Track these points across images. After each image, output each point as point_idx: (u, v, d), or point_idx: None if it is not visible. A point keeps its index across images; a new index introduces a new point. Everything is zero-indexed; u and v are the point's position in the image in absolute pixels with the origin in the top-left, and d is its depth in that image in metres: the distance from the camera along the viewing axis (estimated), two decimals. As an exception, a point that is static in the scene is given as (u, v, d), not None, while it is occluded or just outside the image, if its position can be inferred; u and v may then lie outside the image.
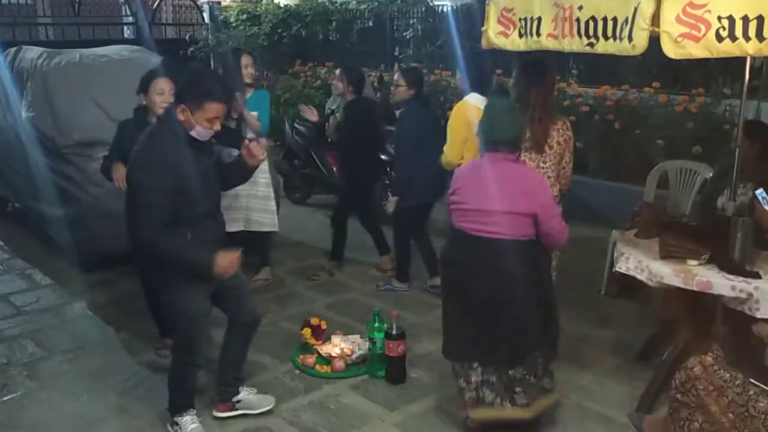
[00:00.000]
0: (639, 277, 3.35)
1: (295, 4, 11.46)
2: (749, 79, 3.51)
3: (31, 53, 6.27)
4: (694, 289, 3.14)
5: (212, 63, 10.86)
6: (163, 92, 3.87)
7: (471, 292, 3.16)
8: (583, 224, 6.24)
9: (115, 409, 3.66)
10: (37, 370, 4.07)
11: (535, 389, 3.27)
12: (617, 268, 3.49)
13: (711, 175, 4.70)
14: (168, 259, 3.09)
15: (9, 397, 3.79)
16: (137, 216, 3.05)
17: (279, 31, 10.49)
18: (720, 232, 3.29)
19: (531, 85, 3.73)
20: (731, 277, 3.12)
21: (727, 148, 4.45)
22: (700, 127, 6.05)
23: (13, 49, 6.56)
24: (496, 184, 3.08)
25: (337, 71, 5.45)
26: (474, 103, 4.28)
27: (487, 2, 3.63)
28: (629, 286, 4.31)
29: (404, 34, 9.49)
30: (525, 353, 3.21)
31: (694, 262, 3.23)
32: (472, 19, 7.30)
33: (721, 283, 3.10)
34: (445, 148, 4.40)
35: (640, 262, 3.36)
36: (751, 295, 3.05)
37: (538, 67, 3.80)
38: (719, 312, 3.29)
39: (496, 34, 3.51)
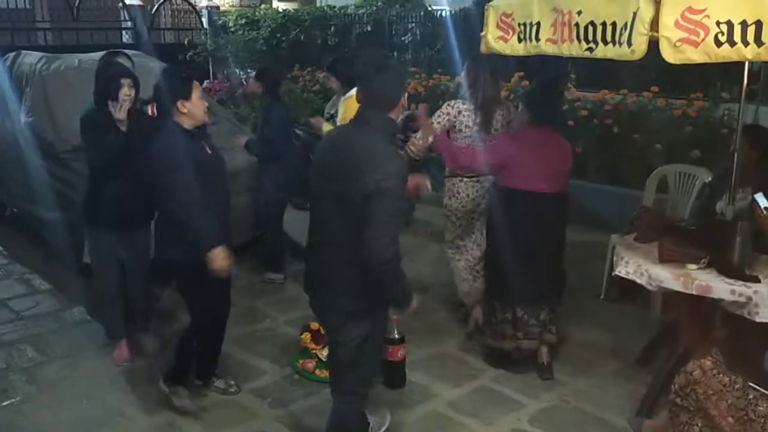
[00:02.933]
0: (639, 281, 3.35)
1: (293, 9, 11.47)
2: (747, 84, 3.52)
3: (30, 58, 6.28)
4: (694, 293, 3.14)
5: (210, 67, 10.89)
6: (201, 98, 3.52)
7: (532, 240, 3.79)
8: (583, 228, 6.23)
9: (114, 414, 3.65)
10: (36, 375, 4.06)
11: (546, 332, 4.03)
12: (617, 272, 3.49)
13: (710, 179, 4.71)
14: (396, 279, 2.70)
15: (8, 402, 3.78)
16: (379, 230, 2.54)
17: (278, 35, 10.50)
18: (719, 236, 3.29)
19: (478, 75, 4.31)
20: (730, 281, 3.12)
21: (726, 153, 4.46)
22: (699, 131, 6.06)
23: (12, 54, 6.57)
24: (553, 150, 3.84)
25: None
26: None
27: (486, 7, 3.65)
28: (629, 290, 4.32)
29: (403, 38, 9.50)
30: (559, 294, 4.07)
31: (693, 266, 3.24)
32: (470, 23, 7.32)
33: (720, 287, 3.10)
34: None
35: (639, 266, 3.36)
36: (750, 299, 3.05)
37: (484, 58, 4.24)
38: (719, 316, 3.29)
39: (495, 39, 3.52)
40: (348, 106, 4.95)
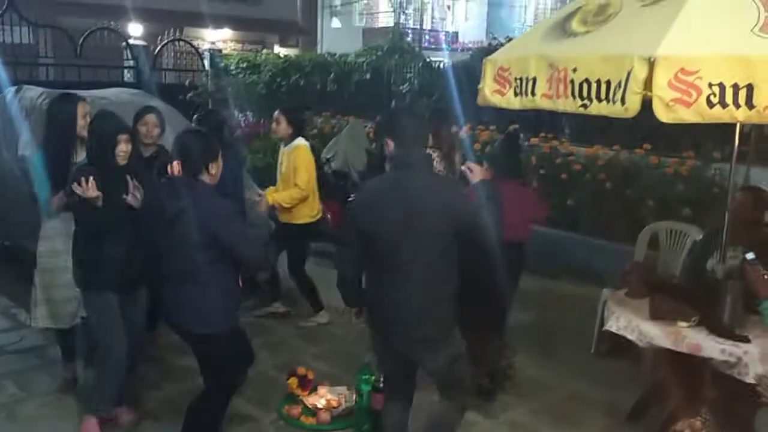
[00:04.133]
0: (629, 336, 3.36)
1: (294, 55, 11.66)
2: (738, 144, 3.58)
3: (31, 93, 6.32)
4: (684, 351, 3.14)
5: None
6: None
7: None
8: (574, 282, 6.28)
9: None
10: (16, 412, 3.98)
11: None
12: (607, 327, 3.49)
13: (700, 237, 4.74)
14: None
15: (-14, 438, 3.72)
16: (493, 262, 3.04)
17: (278, 80, 10.64)
18: (710, 295, 3.30)
19: (440, 127, 4.92)
20: (721, 340, 3.12)
21: (717, 211, 4.51)
22: (690, 190, 6.13)
23: (13, 88, 6.62)
24: (515, 201, 3.86)
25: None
26: (306, 144, 5.26)
27: (484, 61, 3.72)
28: (619, 345, 4.29)
29: (401, 87, 9.64)
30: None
31: (684, 324, 3.24)
32: (467, 74, 7.44)
33: (710, 346, 3.10)
34: (299, 183, 5.13)
35: (630, 322, 3.36)
36: (740, 359, 3.05)
37: (442, 114, 5.18)
38: (708, 375, 3.27)
39: (492, 92, 3.59)
40: (297, 155, 5.11)
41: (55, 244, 3.97)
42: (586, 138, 7.24)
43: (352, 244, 3.07)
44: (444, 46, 12.16)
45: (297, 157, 5.15)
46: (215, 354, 3.34)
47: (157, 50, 11.61)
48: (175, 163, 3.37)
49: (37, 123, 5.82)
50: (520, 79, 3.37)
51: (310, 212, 5.34)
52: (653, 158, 6.48)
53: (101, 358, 3.72)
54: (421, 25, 20.23)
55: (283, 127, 5.20)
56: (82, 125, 3.85)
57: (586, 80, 2.94)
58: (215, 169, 3.30)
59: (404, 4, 20.00)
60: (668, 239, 5.21)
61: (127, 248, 3.57)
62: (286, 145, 5.26)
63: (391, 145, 3.04)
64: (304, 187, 5.17)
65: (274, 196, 5.20)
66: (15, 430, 3.81)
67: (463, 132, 5.14)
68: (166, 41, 12.14)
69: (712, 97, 2.62)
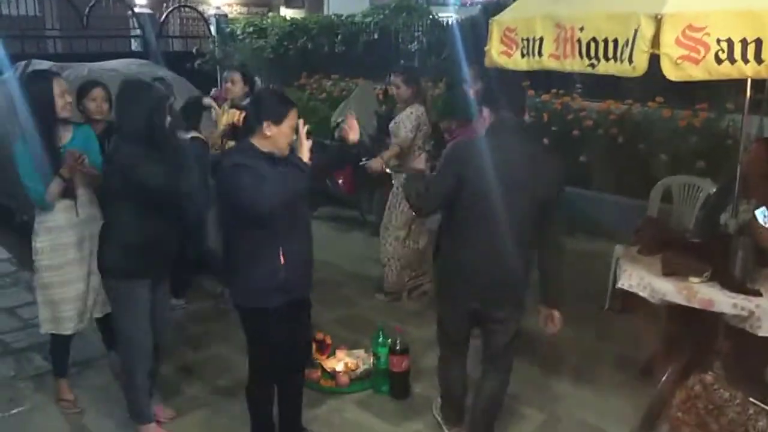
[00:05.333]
0: (641, 293, 3.38)
1: (301, 18, 11.54)
2: (751, 95, 3.54)
3: (40, 66, 6.34)
4: (696, 306, 3.16)
5: (219, 75, 10.96)
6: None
7: None
8: (587, 238, 6.27)
9: (120, 424, 3.65)
10: (43, 384, 4.08)
11: None
12: (620, 285, 3.51)
13: (714, 190, 4.72)
14: None
15: (16, 410, 3.83)
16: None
17: (285, 43, 10.54)
18: (722, 250, 3.31)
19: (420, 82, 5.16)
20: (733, 294, 3.14)
21: (731, 164, 4.48)
22: (704, 142, 6.06)
23: (22, 63, 6.63)
24: None
25: (392, 76, 5.15)
26: None
27: (490, 22, 3.68)
28: (632, 301, 4.33)
29: (409, 46, 9.54)
30: None
31: (696, 280, 3.25)
32: (476, 32, 7.35)
33: (722, 301, 3.12)
34: None
35: (642, 279, 3.38)
36: (752, 312, 3.07)
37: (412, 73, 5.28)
38: (721, 330, 3.30)
39: (498, 54, 3.56)
40: None
41: (60, 237, 3.68)
42: (597, 93, 7.15)
43: (444, 183, 3.07)
44: (452, 0, 11.94)
45: None
46: (251, 332, 3.20)
47: (162, 18, 11.54)
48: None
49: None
50: (527, 39, 3.34)
51: None
52: (666, 111, 6.40)
53: (126, 354, 3.46)
54: (429, -21, 19.86)
55: (239, 87, 5.13)
56: (62, 105, 3.47)
57: (593, 39, 2.92)
58: (271, 130, 2.97)
59: (411, -41, 19.63)
60: (682, 193, 5.20)
61: (173, 226, 3.36)
62: (241, 101, 5.16)
63: (486, 112, 3.09)
64: None
65: None
66: (42, 401, 3.92)
67: (473, 92, 4.99)
68: (171, 8, 12.05)
69: (720, 54, 2.59)
